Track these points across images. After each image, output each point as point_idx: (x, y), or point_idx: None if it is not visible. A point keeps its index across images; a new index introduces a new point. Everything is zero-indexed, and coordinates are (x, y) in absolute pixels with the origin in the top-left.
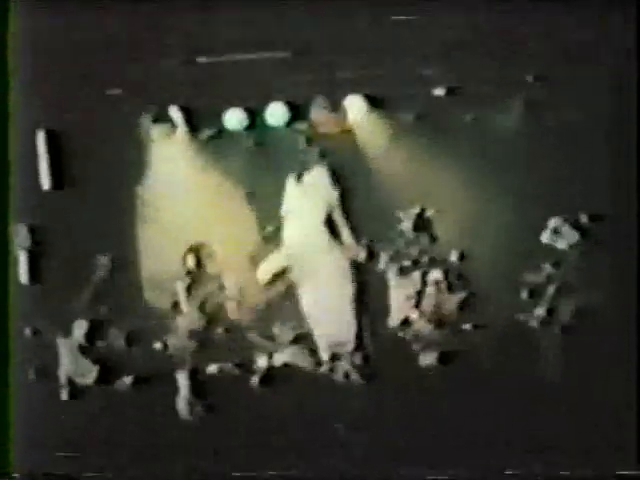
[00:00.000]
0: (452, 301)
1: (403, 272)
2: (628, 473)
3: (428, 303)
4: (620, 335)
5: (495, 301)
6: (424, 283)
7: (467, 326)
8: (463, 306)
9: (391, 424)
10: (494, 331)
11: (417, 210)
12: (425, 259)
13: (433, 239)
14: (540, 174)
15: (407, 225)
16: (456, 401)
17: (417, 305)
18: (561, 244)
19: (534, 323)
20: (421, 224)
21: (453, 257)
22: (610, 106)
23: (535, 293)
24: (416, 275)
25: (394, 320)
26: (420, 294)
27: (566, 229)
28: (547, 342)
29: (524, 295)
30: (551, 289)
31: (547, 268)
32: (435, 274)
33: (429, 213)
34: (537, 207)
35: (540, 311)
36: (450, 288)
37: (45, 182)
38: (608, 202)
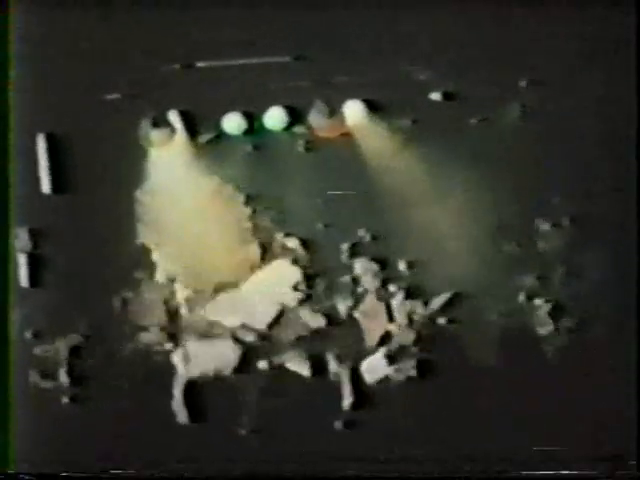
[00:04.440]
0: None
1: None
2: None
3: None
4: (621, 338)
5: (491, 303)
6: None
7: (459, 328)
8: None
9: (390, 424)
10: (492, 333)
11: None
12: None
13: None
14: (538, 178)
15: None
16: (453, 404)
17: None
18: (560, 247)
19: (533, 325)
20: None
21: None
22: (609, 109)
23: (533, 297)
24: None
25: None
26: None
27: (563, 232)
28: (547, 344)
29: (521, 298)
30: (548, 292)
31: (546, 270)
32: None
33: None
34: (535, 211)
35: (540, 314)
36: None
37: (45, 186)
38: (607, 206)
